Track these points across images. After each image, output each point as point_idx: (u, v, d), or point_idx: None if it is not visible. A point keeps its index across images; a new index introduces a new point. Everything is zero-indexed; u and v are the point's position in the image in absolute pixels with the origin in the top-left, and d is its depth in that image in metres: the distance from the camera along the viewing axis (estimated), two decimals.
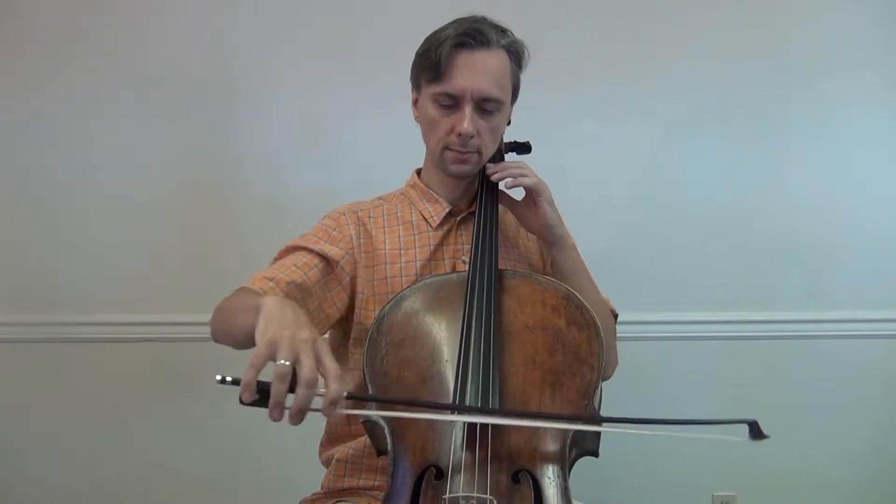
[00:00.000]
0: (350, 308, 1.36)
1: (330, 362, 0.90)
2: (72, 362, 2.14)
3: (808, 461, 2.25)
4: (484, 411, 1.07)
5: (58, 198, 2.12)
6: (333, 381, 0.88)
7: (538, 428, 1.09)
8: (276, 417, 0.88)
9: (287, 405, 0.88)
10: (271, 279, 1.26)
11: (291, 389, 0.87)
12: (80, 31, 2.11)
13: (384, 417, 1.12)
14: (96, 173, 2.12)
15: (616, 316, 1.48)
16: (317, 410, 0.89)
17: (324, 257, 1.33)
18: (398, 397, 1.10)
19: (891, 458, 2.26)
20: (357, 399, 0.92)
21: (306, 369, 0.87)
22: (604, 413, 1.19)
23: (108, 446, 2.16)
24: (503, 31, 1.33)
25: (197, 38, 2.13)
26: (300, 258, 1.32)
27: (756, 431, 0.98)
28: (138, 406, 2.15)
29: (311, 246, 1.33)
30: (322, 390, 0.89)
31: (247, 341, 1.02)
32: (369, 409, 1.13)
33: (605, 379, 1.37)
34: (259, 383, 0.87)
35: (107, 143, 2.12)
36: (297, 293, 1.27)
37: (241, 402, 0.88)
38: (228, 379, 0.89)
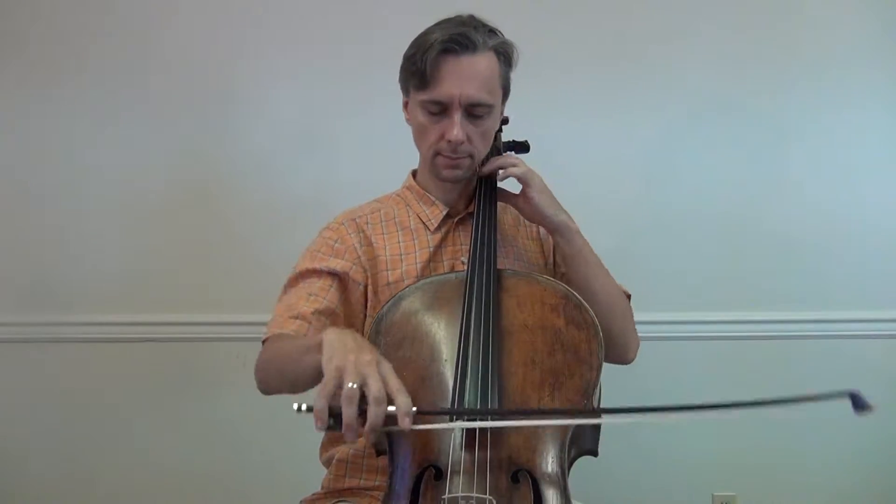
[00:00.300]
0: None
1: (394, 379, 0.95)
2: (72, 362, 2.14)
3: (808, 461, 2.24)
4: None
5: (58, 198, 2.12)
6: (400, 395, 0.94)
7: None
8: (351, 439, 0.94)
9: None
10: (296, 317, 1.27)
11: (360, 411, 0.92)
12: (80, 33, 2.11)
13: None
14: (96, 173, 2.12)
15: (629, 297, 1.47)
16: (393, 427, 0.94)
17: (335, 275, 1.34)
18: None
19: (891, 458, 2.26)
20: (424, 414, 0.97)
21: (374, 389, 0.92)
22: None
23: (108, 446, 2.16)
24: (491, 32, 1.31)
25: (196, 38, 2.12)
26: (314, 285, 1.33)
27: (859, 403, 0.97)
28: (138, 406, 2.15)
29: (319, 266, 1.34)
30: (391, 408, 0.93)
31: (314, 381, 1.05)
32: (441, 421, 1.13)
33: (628, 362, 1.44)
34: (330, 409, 0.92)
35: (107, 143, 2.12)
36: (326, 320, 1.29)
37: (316, 428, 0.94)
38: (304, 408, 0.94)
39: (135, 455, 2.17)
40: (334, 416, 0.92)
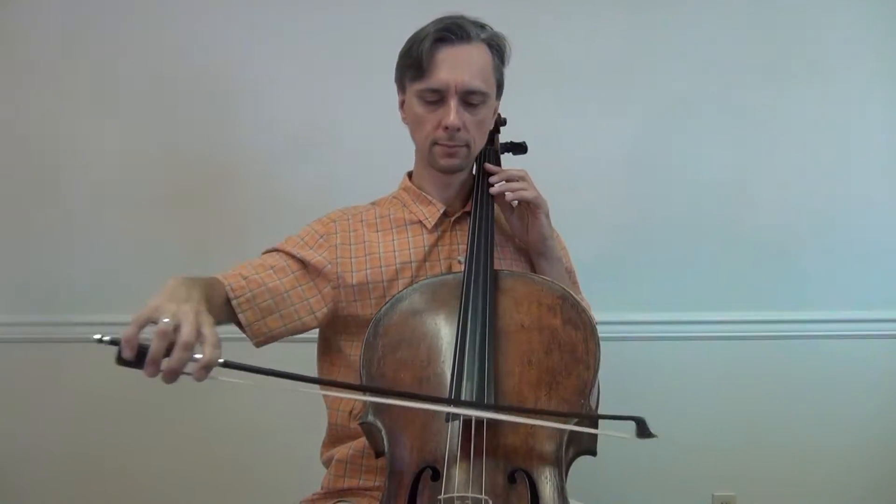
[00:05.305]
0: (331, 317, 1.36)
1: (209, 330, 0.94)
2: (72, 362, 2.14)
3: (808, 461, 2.24)
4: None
5: (57, 198, 2.13)
6: (210, 347, 0.93)
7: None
8: (151, 374, 0.92)
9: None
10: (245, 277, 1.28)
11: (168, 353, 0.91)
12: (81, 31, 2.11)
13: (380, 418, 1.13)
14: (96, 173, 2.13)
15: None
16: (188, 374, 0.93)
17: (304, 263, 1.34)
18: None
19: (890, 458, 2.26)
20: (238, 369, 0.94)
21: (185, 332, 0.91)
22: (602, 412, 1.19)
23: (107, 446, 2.17)
24: (482, 27, 1.34)
25: (196, 37, 2.13)
26: (279, 260, 1.33)
27: (643, 430, 1.02)
28: (138, 406, 2.15)
29: (292, 251, 1.35)
30: (199, 356, 0.92)
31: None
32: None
33: None
34: (140, 344, 0.91)
35: (107, 143, 2.13)
36: (269, 297, 1.28)
37: (119, 360, 0.91)
38: (106, 338, 0.91)
39: (134, 455, 2.17)
40: (141, 351, 0.91)
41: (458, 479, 1.03)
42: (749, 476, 2.25)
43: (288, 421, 2.00)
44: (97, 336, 0.91)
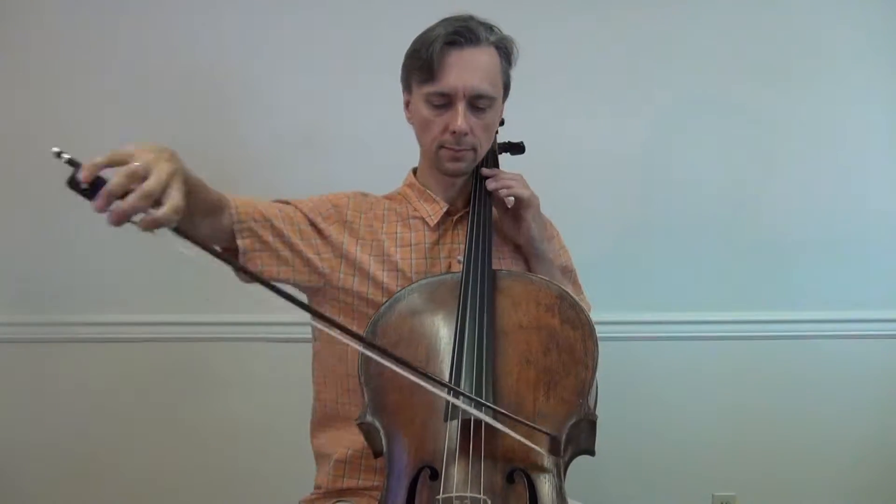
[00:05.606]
0: (323, 283, 1.34)
1: (177, 193, 0.88)
2: (72, 362, 2.14)
3: (808, 461, 2.25)
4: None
5: (58, 197, 2.12)
6: (170, 208, 0.86)
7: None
8: (99, 207, 0.86)
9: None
10: (254, 206, 1.25)
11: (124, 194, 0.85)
12: (81, 30, 2.10)
13: (378, 418, 1.13)
14: None
15: (589, 308, 1.51)
16: (134, 223, 0.87)
17: (312, 224, 1.34)
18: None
19: (890, 458, 2.26)
20: (190, 239, 0.88)
21: (151, 182, 0.85)
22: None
23: (108, 446, 2.17)
24: (491, 29, 1.33)
25: (197, 37, 2.12)
26: (290, 211, 1.33)
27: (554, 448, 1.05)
28: (138, 406, 2.16)
29: (304, 210, 1.34)
30: (153, 210, 0.87)
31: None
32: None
33: None
34: (98, 176, 0.85)
35: (107, 143, 2.09)
36: (273, 235, 1.26)
37: (72, 182, 0.86)
38: (66, 155, 0.86)
39: (135, 455, 2.17)
40: (98, 182, 0.85)
41: (456, 478, 1.03)
42: (749, 476, 2.25)
43: (288, 421, 2.00)
44: (56, 149, 0.85)
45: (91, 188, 0.84)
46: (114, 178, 0.85)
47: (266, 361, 2.13)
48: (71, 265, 2.14)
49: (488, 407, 1.06)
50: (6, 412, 2.15)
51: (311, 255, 1.31)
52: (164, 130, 2.12)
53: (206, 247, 0.91)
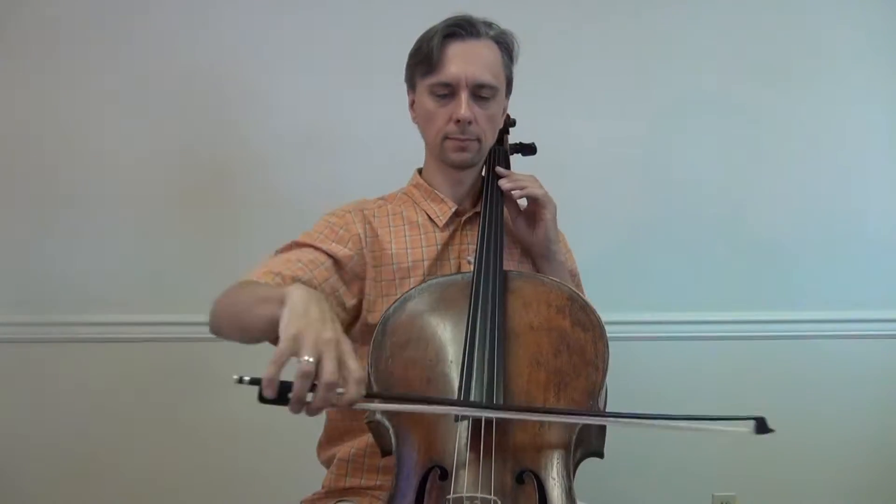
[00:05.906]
0: (358, 310, 1.35)
1: (353, 364, 0.91)
2: (72, 362, 2.13)
3: (808, 461, 2.25)
4: (489, 407, 1.07)
5: (58, 197, 2.12)
6: (353, 384, 0.91)
7: (543, 422, 1.09)
8: (295, 412, 0.91)
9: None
10: (276, 274, 1.24)
11: (311, 386, 0.89)
12: (82, 29, 2.10)
13: (388, 418, 1.13)
14: (96, 173, 2.12)
15: None
16: (333, 406, 0.91)
17: (332, 258, 1.32)
18: (413, 395, 1.10)
19: (891, 458, 2.27)
20: (381, 399, 0.96)
21: (328, 372, 0.88)
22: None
23: (108, 446, 2.16)
24: (490, 25, 1.36)
25: (197, 37, 2.12)
26: (306, 255, 1.31)
27: (763, 428, 1.00)
28: (138, 406, 2.15)
29: (318, 244, 1.32)
30: (341, 390, 0.90)
31: (264, 334, 1.05)
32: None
33: None
34: (280, 382, 0.88)
35: (108, 143, 2.12)
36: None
37: (262, 398, 0.89)
38: (246, 379, 0.89)
39: (135, 455, 2.17)
40: (283, 388, 0.88)
41: (466, 479, 1.03)
42: (749, 476, 2.25)
43: (288, 421, 2.00)
44: (236, 377, 0.90)
45: (279, 395, 0.89)
46: (294, 385, 0.89)
47: (266, 361, 2.12)
48: (71, 265, 2.12)
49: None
50: (6, 412, 2.14)
51: (341, 289, 1.32)
52: (164, 130, 2.13)
53: (398, 398, 0.98)
